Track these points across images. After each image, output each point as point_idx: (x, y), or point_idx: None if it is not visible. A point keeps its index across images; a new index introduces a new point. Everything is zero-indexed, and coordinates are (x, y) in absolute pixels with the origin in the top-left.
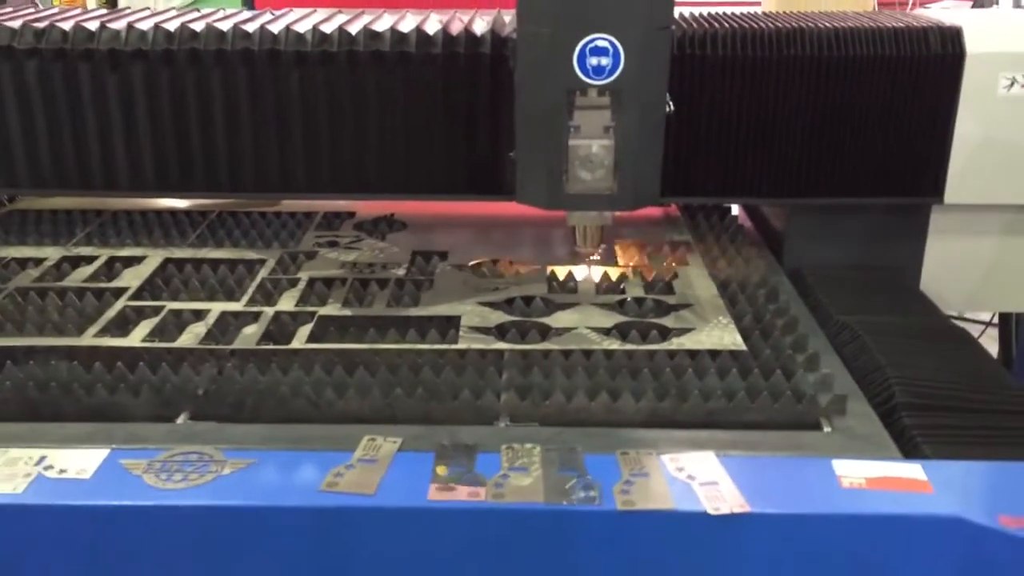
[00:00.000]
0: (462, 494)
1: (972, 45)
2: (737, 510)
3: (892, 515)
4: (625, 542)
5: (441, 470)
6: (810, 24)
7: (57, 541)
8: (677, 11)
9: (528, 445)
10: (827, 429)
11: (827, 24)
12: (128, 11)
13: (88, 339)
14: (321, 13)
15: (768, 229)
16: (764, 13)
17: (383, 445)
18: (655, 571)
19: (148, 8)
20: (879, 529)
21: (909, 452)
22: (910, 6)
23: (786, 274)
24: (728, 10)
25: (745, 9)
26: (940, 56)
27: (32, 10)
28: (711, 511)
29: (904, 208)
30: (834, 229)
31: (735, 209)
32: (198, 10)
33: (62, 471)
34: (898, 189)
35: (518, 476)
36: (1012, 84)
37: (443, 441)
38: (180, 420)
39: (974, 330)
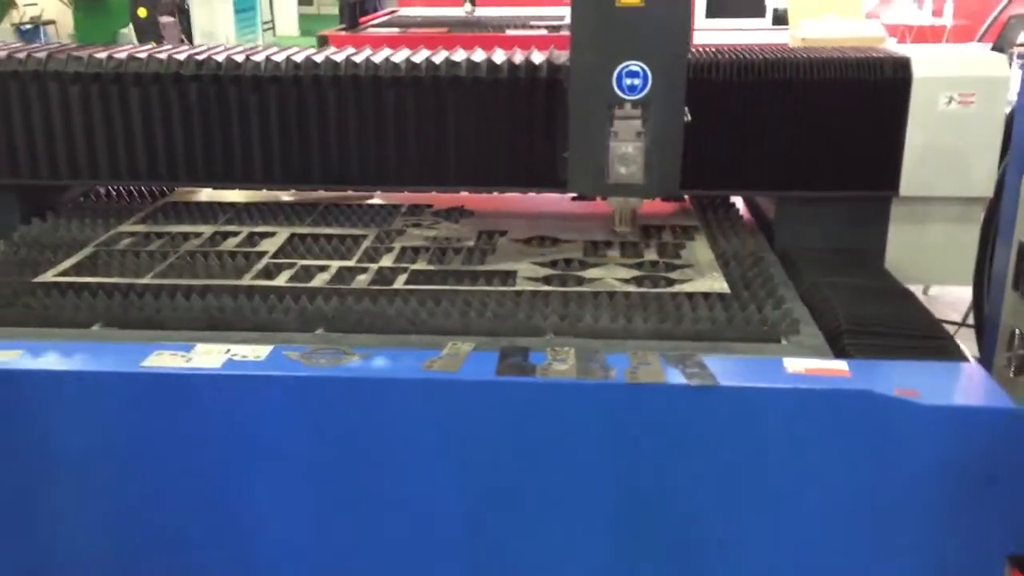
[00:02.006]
0: (518, 373)
1: (918, 71)
2: (708, 383)
3: (819, 389)
4: (630, 405)
5: (504, 361)
6: (791, 55)
7: (242, 400)
8: (694, 45)
9: (566, 348)
10: (784, 342)
11: (805, 55)
12: (265, 48)
13: (247, 281)
14: (407, 51)
15: (763, 219)
16: (761, 46)
17: (462, 346)
18: (650, 426)
19: (275, 46)
20: (809, 398)
21: (843, 358)
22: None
23: (775, 253)
24: (737, 42)
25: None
26: (892, 80)
27: (188, 47)
28: (690, 383)
29: (869, 200)
30: (814, 217)
31: (739, 204)
32: (316, 47)
33: (244, 356)
34: (863, 184)
35: (558, 364)
36: (950, 101)
37: (504, 345)
38: (318, 331)
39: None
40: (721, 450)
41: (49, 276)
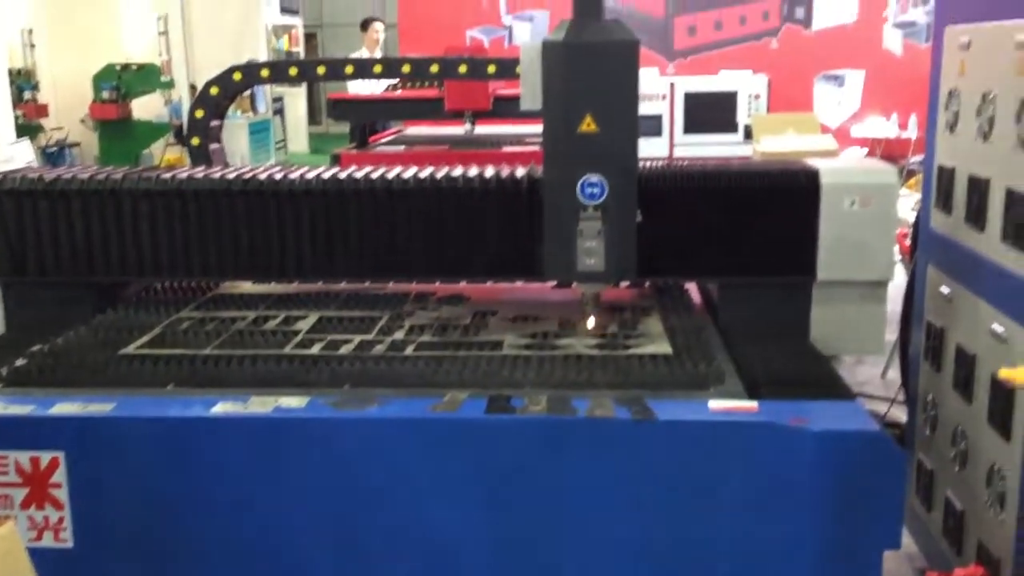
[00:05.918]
0: (502, 412)
1: (825, 180)
2: (648, 418)
3: (732, 421)
4: (586, 435)
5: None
6: (726, 168)
7: (288, 437)
8: (643, 160)
9: (541, 396)
10: (711, 390)
11: (736, 169)
12: (297, 168)
13: (288, 350)
14: (414, 168)
15: (710, 301)
16: (699, 161)
17: (459, 395)
18: (602, 451)
19: (304, 165)
20: (724, 428)
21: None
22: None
23: (718, 328)
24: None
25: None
26: (805, 187)
27: (234, 168)
28: (635, 418)
29: (793, 283)
30: (749, 299)
31: (693, 290)
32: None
33: (287, 406)
34: (787, 271)
35: (534, 406)
36: (853, 203)
37: (492, 394)
38: (345, 387)
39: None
40: (659, 469)
41: (130, 350)
